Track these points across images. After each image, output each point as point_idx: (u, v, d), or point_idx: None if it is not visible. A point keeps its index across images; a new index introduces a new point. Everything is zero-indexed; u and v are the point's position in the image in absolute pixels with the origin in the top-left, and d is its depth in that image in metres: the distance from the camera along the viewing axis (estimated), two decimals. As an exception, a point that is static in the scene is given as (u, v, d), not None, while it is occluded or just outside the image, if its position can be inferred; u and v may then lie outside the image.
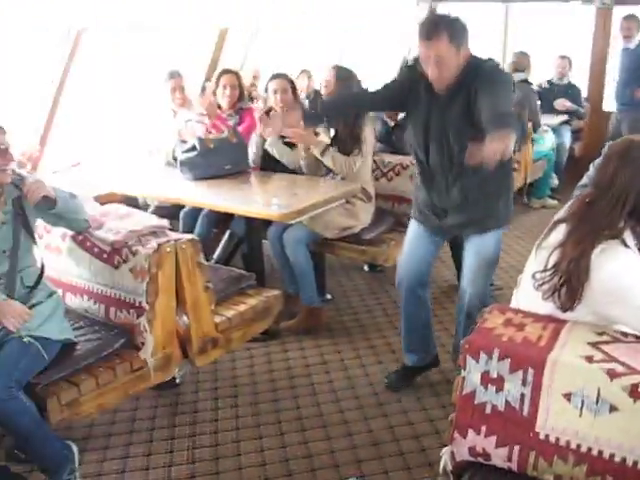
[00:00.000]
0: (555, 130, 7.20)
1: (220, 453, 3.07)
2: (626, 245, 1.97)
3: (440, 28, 2.78)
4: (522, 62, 6.78)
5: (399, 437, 3.14)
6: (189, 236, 2.95)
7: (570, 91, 7.43)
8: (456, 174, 3.04)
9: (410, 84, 3.07)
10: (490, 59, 3.00)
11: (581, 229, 2.01)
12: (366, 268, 5.16)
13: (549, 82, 7.52)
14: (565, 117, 7.39)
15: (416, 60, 3.05)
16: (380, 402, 3.41)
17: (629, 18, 6.81)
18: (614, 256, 1.93)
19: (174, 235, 2.92)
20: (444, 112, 2.96)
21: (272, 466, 2.97)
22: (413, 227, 3.35)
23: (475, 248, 3.20)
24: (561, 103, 7.36)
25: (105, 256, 2.87)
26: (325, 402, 3.43)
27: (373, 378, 3.64)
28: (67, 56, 4.63)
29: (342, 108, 3.50)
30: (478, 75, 2.83)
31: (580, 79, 8.05)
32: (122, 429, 3.25)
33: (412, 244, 3.33)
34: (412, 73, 3.08)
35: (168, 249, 2.79)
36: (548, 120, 7.10)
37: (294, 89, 4.44)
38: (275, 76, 4.45)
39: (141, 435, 3.20)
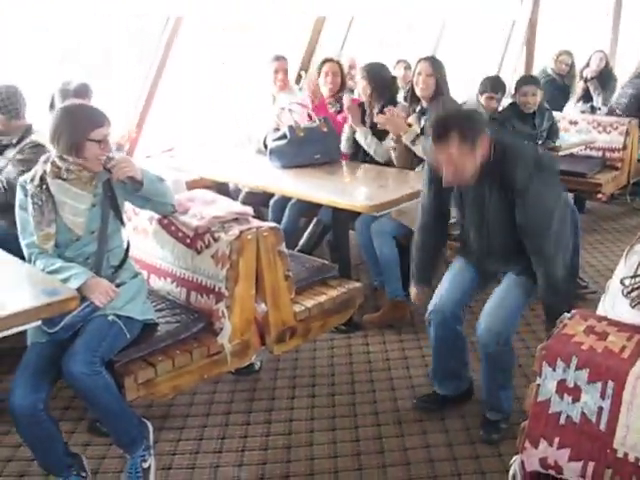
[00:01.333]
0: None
1: (293, 442, 3.08)
2: None
3: (449, 128, 2.65)
4: None
5: (475, 440, 3.06)
6: (271, 224, 2.94)
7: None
8: (497, 257, 3.00)
9: (438, 183, 2.88)
10: (524, 150, 2.84)
11: None
12: (455, 263, 5.05)
13: None
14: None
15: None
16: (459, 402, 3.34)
17: None
18: None
19: (256, 223, 2.92)
20: (479, 203, 2.88)
21: (343, 459, 2.95)
22: (458, 261, 3.21)
23: (511, 281, 3.01)
24: None
25: (188, 241, 2.91)
26: (403, 398, 3.38)
27: (453, 377, 3.56)
28: (165, 43, 4.73)
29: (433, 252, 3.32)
30: (516, 178, 2.68)
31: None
32: (199, 411, 3.31)
33: (455, 274, 3.16)
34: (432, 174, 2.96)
35: (249, 236, 2.79)
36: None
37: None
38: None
39: (217, 418, 3.25)
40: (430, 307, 3.09)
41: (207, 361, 2.81)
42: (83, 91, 3.96)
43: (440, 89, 4.12)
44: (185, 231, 2.92)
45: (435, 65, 4.14)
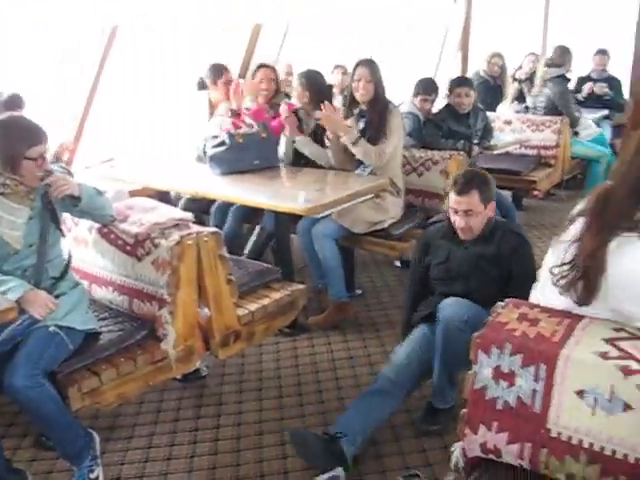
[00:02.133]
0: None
1: (242, 445, 3.09)
2: None
3: (473, 185, 3.04)
4: (559, 58, 6.68)
5: (420, 434, 3.11)
6: (211, 229, 2.96)
7: (611, 84, 7.30)
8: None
9: (426, 251, 3.29)
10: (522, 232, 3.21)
11: (598, 221, 1.96)
12: (397, 264, 5.13)
13: (589, 77, 7.40)
14: (605, 112, 7.26)
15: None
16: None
17: None
18: (631, 251, 1.87)
19: (196, 228, 2.93)
20: (470, 258, 3.13)
21: (292, 459, 2.97)
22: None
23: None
24: (599, 88, 7.22)
25: (128, 248, 2.90)
26: (349, 397, 3.41)
27: (398, 374, 3.61)
28: (101, 53, 4.70)
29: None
30: (517, 251, 3.08)
31: (625, 73, 7.90)
32: (147, 420, 3.30)
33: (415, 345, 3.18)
34: (425, 245, 3.32)
35: (190, 242, 2.80)
36: (588, 115, 6.99)
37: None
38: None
39: (165, 426, 3.24)
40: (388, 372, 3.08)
41: (152, 368, 2.81)
42: (15, 103, 3.92)
43: (378, 92, 4.17)
44: (125, 239, 2.91)
45: (373, 70, 4.18)
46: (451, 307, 2.99)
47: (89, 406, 2.65)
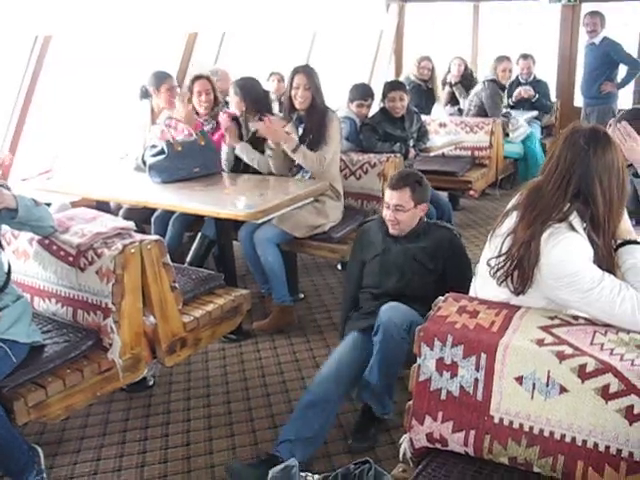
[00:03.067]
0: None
1: (192, 452, 3.09)
2: (573, 228, 2.00)
3: (406, 182, 3.18)
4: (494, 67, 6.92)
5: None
6: (154, 237, 2.96)
7: (537, 87, 7.52)
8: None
9: (361, 247, 3.39)
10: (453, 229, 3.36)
11: (530, 213, 2.06)
12: (339, 267, 5.19)
13: (517, 80, 7.61)
14: (534, 113, 7.48)
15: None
16: (351, 397, 3.43)
17: (593, 14, 6.96)
18: (560, 241, 1.97)
19: (139, 236, 2.93)
20: (405, 251, 3.22)
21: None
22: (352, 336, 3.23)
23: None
24: (525, 91, 7.44)
25: (71, 259, 2.88)
26: (296, 399, 3.41)
27: (344, 374, 3.66)
28: (35, 62, 4.64)
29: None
30: (451, 247, 3.22)
31: (551, 75, 8.16)
32: (94, 432, 3.27)
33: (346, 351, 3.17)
34: (360, 240, 3.42)
35: (133, 250, 2.80)
36: (519, 116, 7.20)
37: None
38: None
39: (114, 437, 3.22)
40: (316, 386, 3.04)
41: (99, 378, 2.79)
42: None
43: (315, 99, 4.23)
44: (67, 249, 2.89)
45: (310, 76, 4.23)
46: (391, 315, 2.95)
47: (35, 420, 2.62)
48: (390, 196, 3.20)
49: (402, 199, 3.15)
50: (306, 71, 4.27)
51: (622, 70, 7.08)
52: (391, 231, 3.24)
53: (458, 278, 3.01)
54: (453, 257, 3.21)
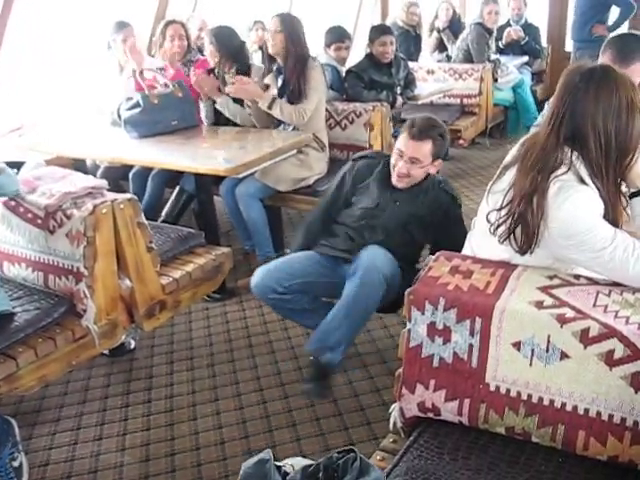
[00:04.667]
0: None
1: (175, 418, 2.98)
2: (583, 181, 1.85)
3: (430, 134, 2.89)
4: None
5: (359, 392, 3.07)
6: (127, 196, 2.79)
7: (528, 31, 7.31)
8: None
9: (353, 186, 3.14)
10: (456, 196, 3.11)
11: (528, 164, 1.91)
12: (326, 220, 5.04)
13: (507, 24, 7.40)
14: (525, 58, 7.28)
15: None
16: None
17: None
18: (571, 195, 1.81)
19: (111, 195, 2.76)
20: (400, 215, 3.01)
21: (229, 429, 2.88)
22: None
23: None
24: (514, 31, 7.23)
25: (39, 221, 2.72)
26: (283, 360, 3.35)
27: (333, 333, 3.55)
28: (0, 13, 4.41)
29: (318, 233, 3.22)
30: (445, 217, 3.00)
31: (542, 21, 7.95)
32: (74, 400, 3.15)
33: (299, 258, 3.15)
34: (353, 179, 3.14)
35: (104, 210, 2.64)
36: (508, 62, 7.00)
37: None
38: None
39: (94, 405, 3.10)
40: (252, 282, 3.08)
41: (73, 346, 2.65)
42: None
43: (289, 46, 4.01)
44: (35, 211, 2.72)
45: (284, 21, 4.02)
46: (374, 259, 2.83)
47: (7, 393, 2.49)
48: (407, 146, 2.90)
49: (421, 152, 2.88)
50: (280, 16, 4.09)
51: (614, 12, 6.86)
52: (395, 182, 2.99)
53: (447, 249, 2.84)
54: (446, 227, 2.98)
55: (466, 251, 2.21)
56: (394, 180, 2.99)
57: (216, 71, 4.30)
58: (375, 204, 3.05)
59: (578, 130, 1.86)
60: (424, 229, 3.02)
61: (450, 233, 2.93)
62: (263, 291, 3.03)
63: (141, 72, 4.16)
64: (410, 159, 2.90)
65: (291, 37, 4.00)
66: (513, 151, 2.08)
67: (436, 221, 3.00)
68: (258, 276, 3.05)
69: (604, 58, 2.85)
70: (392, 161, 2.99)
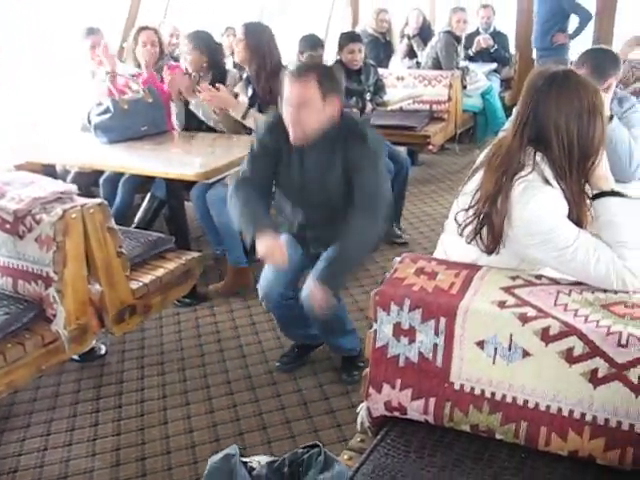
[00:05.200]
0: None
1: (146, 423, 2.98)
2: (547, 182, 1.90)
3: (311, 71, 2.68)
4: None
5: (329, 395, 3.10)
6: (97, 200, 2.80)
7: (497, 39, 7.42)
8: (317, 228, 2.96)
9: (272, 145, 2.89)
10: (361, 122, 2.93)
11: (493, 165, 1.95)
12: (297, 225, 5.06)
13: (477, 32, 7.50)
14: (493, 65, 7.38)
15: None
16: (311, 359, 3.36)
17: None
18: (535, 194, 1.85)
19: (81, 200, 2.76)
20: (316, 168, 2.82)
21: (199, 432, 2.89)
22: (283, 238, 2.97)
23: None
24: (484, 39, 7.33)
25: (8, 226, 2.71)
26: (254, 364, 3.36)
27: (303, 337, 3.58)
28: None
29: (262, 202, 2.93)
30: (353, 147, 2.74)
31: (510, 27, 8.07)
32: (44, 405, 3.14)
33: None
34: (270, 134, 2.88)
35: (74, 215, 2.64)
36: (477, 69, 7.09)
37: (206, 49, 4.30)
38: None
39: (64, 410, 3.10)
40: (260, 292, 3.03)
41: (43, 351, 2.65)
42: None
43: (254, 55, 3.98)
44: (3, 216, 2.72)
45: (248, 29, 4.00)
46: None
47: (-25, 398, 2.49)
48: (291, 91, 2.66)
49: (306, 93, 2.64)
50: (245, 25, 4.07)
51: (573, 21, 7.03)
52: (292, 137, 2.74)
53: (362, 201, 2.70)
54: (360, 177, 2.72)
55: (438, 252, 2.25)
56: (290, 134, 2.74)
57: (193, 75, 4.30)
58: (292, 170, 2.87)
59: (541, 132, 1.91)
60: (345, 177, 2.78)
61: (356, 177, 2.73)
62: (275, 299, 2.99)
63: (114, 77, 4.16)
64: (297, 104, 2.66)
65: (255, 46, 3.95)
66: (482, 155, 2.13)
67: (350, 169, 2.76)
68: (265, 286, 2.99)
69: (581, 71, 2.90)
70: (284, 115, 2.75)
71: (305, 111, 2.67)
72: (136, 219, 4.22)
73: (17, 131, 4.58)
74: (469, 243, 1.99)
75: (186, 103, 4.30)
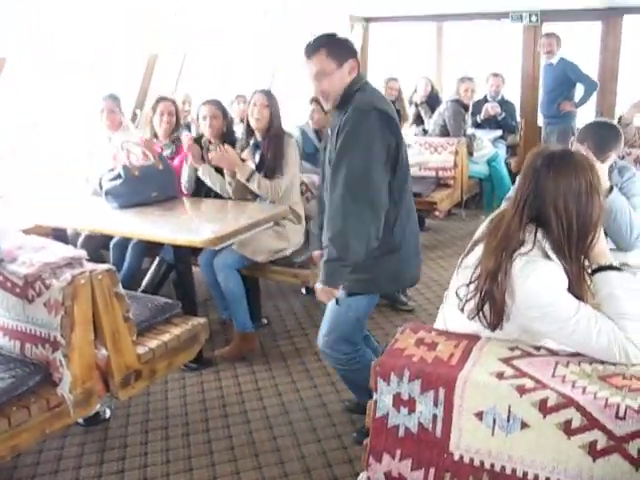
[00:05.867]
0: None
1: (149, 488, 2.98)
2: (548, 256, 1.94)
3: (320, 44, 2.76)
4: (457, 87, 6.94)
5: (332, 462, 3.08)
6: (105, 266, 2.85)
7: (504, 107, 7.55)
8: None
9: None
10: (366, 95, 2.78)
11: (493, 241, 2.00)
12: (303, 291, 5.11)
13: (485, 99, 7.64)
14: (499, 132, 7.50)
15: None
16: (314, 427, 3.35)
17: (550, 35, 7.13)
18: (535, 269, 1.90)
19: (90, 266, 2.82)
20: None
21: (201, 499, 2.89)
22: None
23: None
24: (492, 107, 7.45)
25: (18, 290, 2.77)
26: (258, 429, 3.36)
27: (307, 403, 3.58)
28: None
29: None
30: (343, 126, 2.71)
31: (514, 95, 8.22)
32: (47, 469, 3.13)
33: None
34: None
35: (83, 281, 2.69)
36: (484, 136, 7.21)
37: (225, 115, 4.46)
38: (206, 102, 4.47)
39: (67, 474, 3.09)
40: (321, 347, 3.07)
41: (48, 415, 2.67)
42: None
43: (273, 122, 4.16)
44: (14, 280, 2.78)
45: (269, 97, 4.17)
46: (322, 339, 3.00)
47: (-22, 461, 2.49)
48: (309, 68, 2.78)
49: (320, 63, 2.73)
50: (265, 92, 4.23)
51: (579, 89, 7.19)
52: (325, 106, 2.90)
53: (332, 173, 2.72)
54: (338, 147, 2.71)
55: (439, 322, 2.28)
56: (323, 104, 2.89)
57: (202, 141, 4.43)
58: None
59: (541, 211, 1.97)
60: None
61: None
62: (339, 351, 3.00)
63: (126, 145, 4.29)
64: (315, 76, 2.76)
65: (275, 114, 4.15)
66: (482, 227, 2.18)
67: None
68: (330, 340, 3.00)
69: (582, 147, 2.97)
70: (315, 93, 2.88)
71: (324, 81, 2.75)
72: (144, 283, 4.27)
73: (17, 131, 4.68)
74: (471, 319, 2.03)
75: (195, 169, 4.41)
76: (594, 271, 2.02)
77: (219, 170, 4.34)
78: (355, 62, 2.80)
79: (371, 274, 2.83)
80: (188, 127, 5.75)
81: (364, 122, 2.66)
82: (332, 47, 2.75)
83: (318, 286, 2.78)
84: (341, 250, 2.65)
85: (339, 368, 3.08)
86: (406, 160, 2.86)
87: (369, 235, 2.68)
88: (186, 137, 4.47)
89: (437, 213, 6.28)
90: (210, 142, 4.42)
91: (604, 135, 3.06)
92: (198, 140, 4.48)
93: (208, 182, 4.38)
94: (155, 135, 4.69)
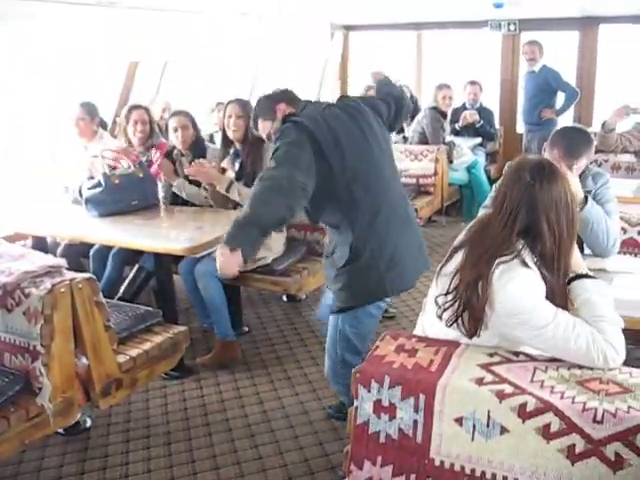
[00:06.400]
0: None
1: (129, 498, 2.96)
2: (526, 264, 1.96)
3: (255, 117, 3.21)
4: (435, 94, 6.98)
5: (314, 470, 3.08)
6: (85, 275, 2.84)
7: (483, 114, 7.60)
8: None
9: None
10: (292, 120, 2.94)
11: (476, 251, 2.01)
12: (284, 298, 5.10)
13: (463, 107, 7.69)
14: (478, 140, 7.55)
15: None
16: (296, 435, 3.35)
17: (532, 43, 7.18)
18: (513, 277, 1.92)
19: (70, 275, 2.81)
20: None
21: (183, 508, 2.88)
22: None
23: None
24: (470, 115, 7.50)
25: (-3, 299, 2.75)
26: (240, 438, 3.35)
27: (289, 410, 3.57)
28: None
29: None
30: None
31: (493, 103, 8.28)
32: (26, 481, 3.11)
33: None
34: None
35: (63, 289, 2.68)
36: (463, 143, 7.25)
37: (194, 125, 4.48)
38: (174, 113, 4.50)
39: (47, 485, 3.07)
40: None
41: (27, 425, 2.65)
42: None
43: (250, 131, 4.14)
44: (-8, 290, 2.76)
45: (244, 106, 4.16)
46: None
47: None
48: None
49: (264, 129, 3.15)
50: (239, 101, 4.24)
51: (560, 97, 7.27)
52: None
53: None
54: None
55: (418, 330, 2.29)
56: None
57: (174, 154, 4.43)
58: None
59: (533, 225, 1.98)
60: None
61: None
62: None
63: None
64: (267, 136, 3.18)
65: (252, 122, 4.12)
66: (461, 235, 2.20)
67: None
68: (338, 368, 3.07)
69: (553, 152, 2.99)
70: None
71: (272, 131, 3.09)
72: (121, 290, 4.23)
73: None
74: (449, 327, 2.04)
75: (170, 185, 4.42)
76: (570, 280, 2.05)
77: (194, 181, 4.33)
78: (284, 105, 3.10)
79: (345, 288, 2.96)
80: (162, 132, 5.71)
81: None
82: (263, 112, 3.15)
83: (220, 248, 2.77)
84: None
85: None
86: (363, 158, 3.07)
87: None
88: (155, 154, 4.45)
89: (417, 220, 6.29)
90: (182, 154, 4.42)
91: (574, 138, 3.06)
92: (170, 153, 4.48)
93: (183, 195, 4.38)
94: (130, 143, 4.67)
